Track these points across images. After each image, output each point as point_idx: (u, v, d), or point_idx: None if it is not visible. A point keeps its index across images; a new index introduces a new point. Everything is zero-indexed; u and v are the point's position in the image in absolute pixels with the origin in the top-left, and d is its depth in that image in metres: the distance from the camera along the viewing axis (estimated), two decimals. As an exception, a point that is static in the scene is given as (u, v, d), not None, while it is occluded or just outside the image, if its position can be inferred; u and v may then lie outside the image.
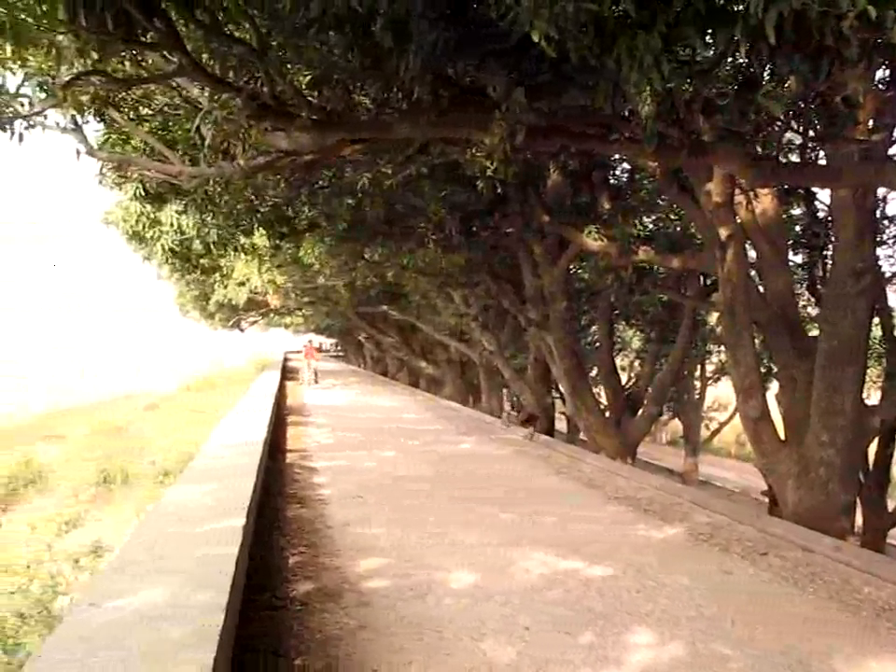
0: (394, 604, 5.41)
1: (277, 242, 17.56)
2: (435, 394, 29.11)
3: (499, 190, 12.90)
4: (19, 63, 6.45)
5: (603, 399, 19.82)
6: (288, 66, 7.25)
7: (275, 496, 8.78)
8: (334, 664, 4.46)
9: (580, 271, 20.87)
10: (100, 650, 3.20)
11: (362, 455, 12.47)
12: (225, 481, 7.14)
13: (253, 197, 13.46)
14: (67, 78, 5.78)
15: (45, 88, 6.37)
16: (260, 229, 16.05)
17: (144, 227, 14.90)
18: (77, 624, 3.48)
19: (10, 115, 6.25)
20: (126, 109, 9.40)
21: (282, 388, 23.55)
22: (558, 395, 23.88)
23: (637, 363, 33.21)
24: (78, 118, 7.86)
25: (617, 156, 14.13)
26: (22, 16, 4.67)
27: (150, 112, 9.80)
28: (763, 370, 12.97)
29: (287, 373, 33.17)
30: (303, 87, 7.37)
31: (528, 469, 11.69)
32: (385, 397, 25.81)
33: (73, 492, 12.93)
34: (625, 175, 16.58)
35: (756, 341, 11.27)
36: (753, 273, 12.42)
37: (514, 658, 4.56)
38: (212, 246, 16.51)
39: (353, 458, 12.05)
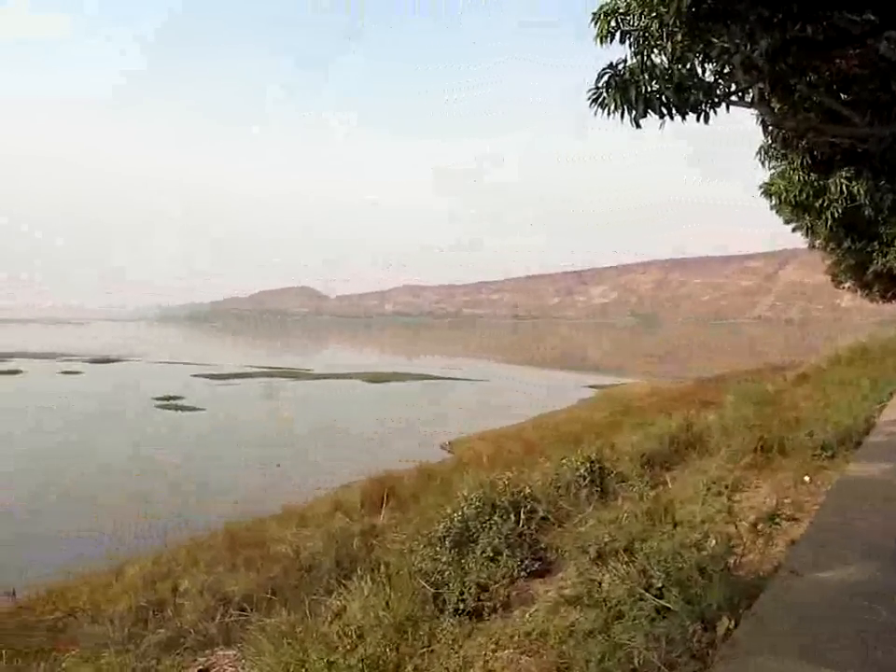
0: None
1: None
2: None
3: None
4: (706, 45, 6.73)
5: None
6: None
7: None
8: None
9: None
10: (810, 620, 3.20)
11: None
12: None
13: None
14: (768, 51, 5.86)
15: (745, 64, 6.56)
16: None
17: (808, 196, 14.68)
18: (781, 592, 3.54)
19: (700, 97, 6.56)
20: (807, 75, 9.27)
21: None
22: None
23: None
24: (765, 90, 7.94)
25: None
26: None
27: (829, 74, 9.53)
28: None
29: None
30: None
31: None
32: None
33: (730, 457, 13.20)
34: None
35: None
36: None
37: None
38: (883, 213, 15.67)
39: None
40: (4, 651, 8.92)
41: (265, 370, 78.57)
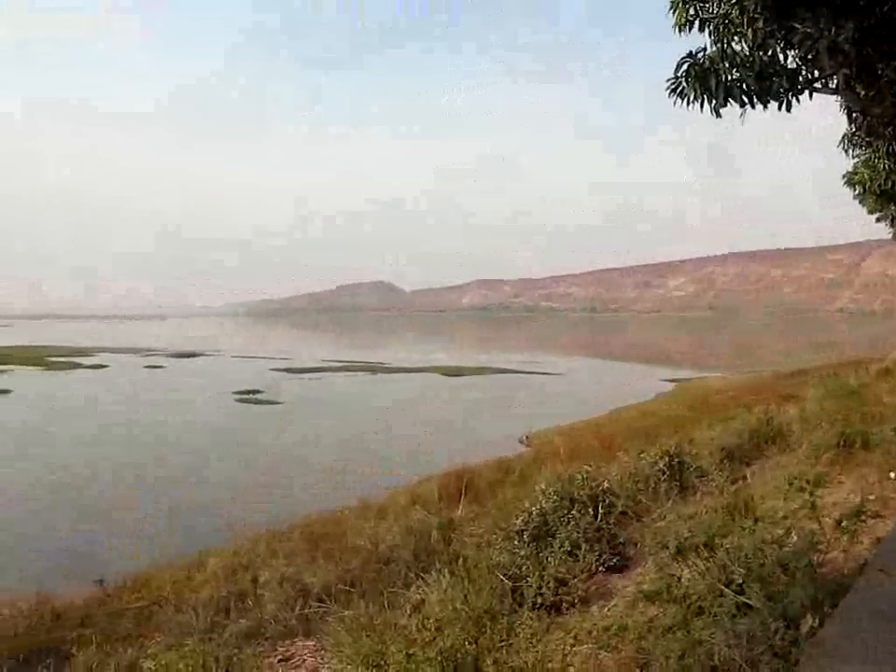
0: None
1: None
2: None
3: None
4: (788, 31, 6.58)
5: None
6: None
7: None
8: None
9: None
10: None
11: None
12: None
13: None
14: (854, 35, 5.71)
15: (830, 50, 6.40)
16: None
17: (893, 185, 14.31)
18: (869, 591, 3.46)
19: (783, 85, 6.43)
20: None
21: None
22: None
23: None
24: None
25: None
26: None
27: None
28: None
29: None
30: None
31: None
32: None
33: (812, 452, 12.89)
34: None
35: None
36: None
37: None
38: None
39: None
40: (94, 637, 9.20)
41: (341, 364, 79.44)
